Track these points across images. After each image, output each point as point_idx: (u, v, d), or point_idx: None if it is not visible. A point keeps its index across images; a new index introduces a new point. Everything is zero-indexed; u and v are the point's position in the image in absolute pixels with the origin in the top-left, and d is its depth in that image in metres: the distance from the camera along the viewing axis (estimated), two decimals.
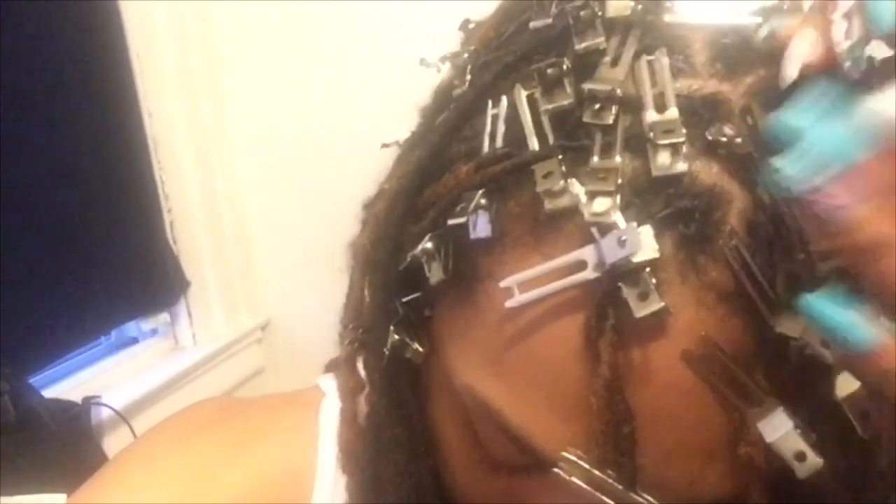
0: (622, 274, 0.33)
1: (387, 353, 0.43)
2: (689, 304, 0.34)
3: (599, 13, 0.37)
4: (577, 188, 0.34)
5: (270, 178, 1.82)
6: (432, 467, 0.44)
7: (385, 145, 0.47)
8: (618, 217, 0.33)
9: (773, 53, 0.34)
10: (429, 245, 0.39)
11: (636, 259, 0.33)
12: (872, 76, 0.29)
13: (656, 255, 0.33)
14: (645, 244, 0.33)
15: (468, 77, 0.42)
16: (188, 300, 1.76)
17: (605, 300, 0.34)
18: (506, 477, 0.40)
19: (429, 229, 0.40)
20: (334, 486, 0.48)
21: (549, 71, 0.36)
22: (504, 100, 0.38)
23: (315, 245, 1.65)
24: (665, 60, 0.35)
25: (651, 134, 0.34)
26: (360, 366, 0.47)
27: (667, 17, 0.37)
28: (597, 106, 0.35)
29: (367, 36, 1.68)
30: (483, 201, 0.37)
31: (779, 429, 0.33)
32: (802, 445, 0.33)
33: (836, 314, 0.31)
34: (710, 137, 0.34)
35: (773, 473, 0.34)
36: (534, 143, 0.36)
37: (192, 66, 1.72)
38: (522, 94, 0.37)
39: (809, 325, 0.32)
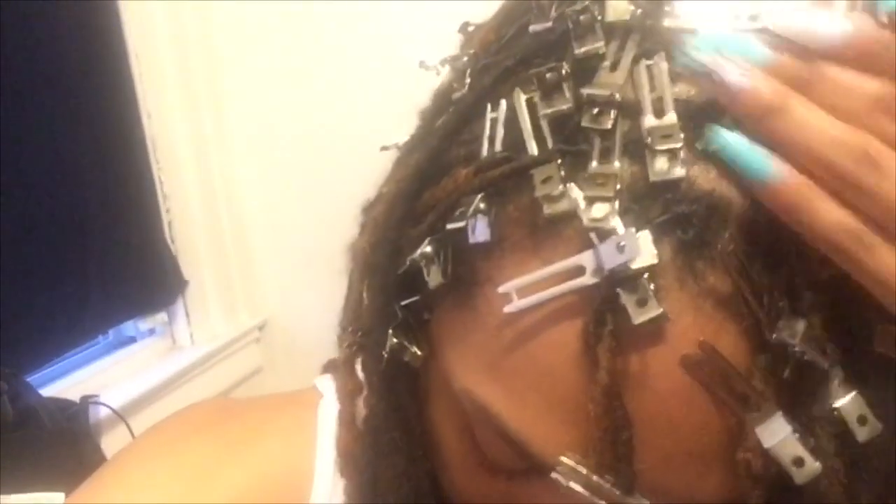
0: (620, 280, 0.33)
1: (385, 356, 0.43)
2: (688, 309, 0.34)
3: (599, 17, 0.37)
4: (575, 193, 0.34)
5: (269, 177, 1.82)
6: (430, 470, 0.44)
7: (384, 148, 0.47)
8: (616, 222, 0.33)
9: None
10: (428, 249, 0.39)
11: (634, 265, 0.33)
12: None
13: (655, 260, 0.33)
14: (643, 250, 0.33)
15: (468, 80, 0.42)
16: (186, 300, 1.76)
17: (603, 306, 0.34)
18: (504, 480, 0.40)
19: (428, 233, 0.40)
20: (332, 488, 0.48)
21: (548, 75, 0.36)
22: (503, 103, 0.38)
23: (313, 245, 1.65)
24: (664, 65, 0.35)
25: (649, 139, 0.34)
26: (358, 368, 0.47)
27: (666, 22, 0.37)
28: (595, 110, 0.35)
29: (367, 36, 1.68)
30: (482, 205, 0.37)
31: (777, 434, 0.33)
32: (801, 451, 0.33)
33: (740, 145, 0.32)
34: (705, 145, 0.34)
35: (772, 478, 0.34)
36: (533, 148, 0.36)
37: (191, 66, 1.72)
38: (522, 98, 0.37)
39: (720, 154, 0.33)
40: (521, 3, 0.42)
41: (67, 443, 1.27)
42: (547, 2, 0.39)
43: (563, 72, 0.36)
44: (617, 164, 0.34)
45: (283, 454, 0.49)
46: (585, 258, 0.34)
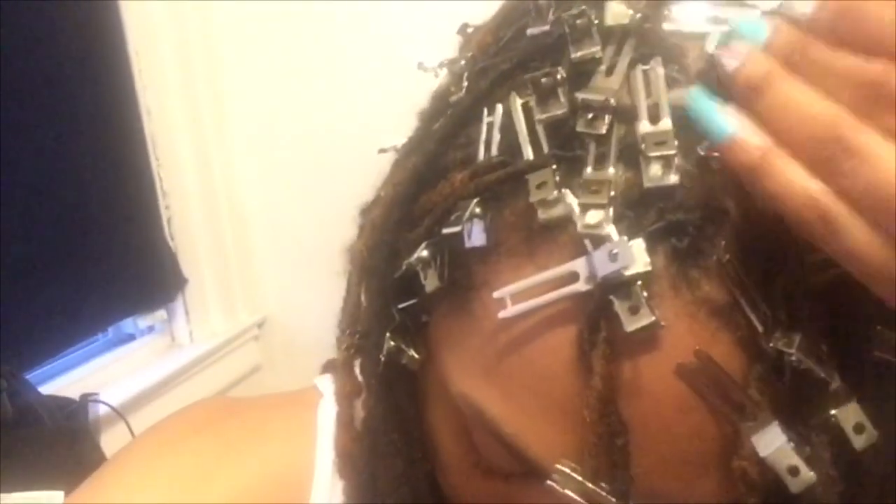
0: (614, 287, 0.33)
1: (383, 359, 0.43)
2: (682, 317, 0.34)
3: (596, 21, 0.36)
4: (570, 198, 0.34)
5: (269, 175, 1.82)
6: (429, 472, 0.44)
7: (382, 150, 0.47)
8: (610, 229, 0.33)
9: None
10: (424, 253, 0.39)
11: (628, 272, 0.33)
12: None
13: (648, 268, 0.33)
14: (636, 258, 0.33)
15: (465, 83, 0.42)
16: (185, 297, 1.76)
17: (596, 313, 0.34)
18: (501, 483, 0.40)
19: (424, 237, 0.40)
20: (332, 488, 0.48)
21: (544, 80, 0.36)
22: (500, 107, 0.38)
23: (313, 243, 1.65)
24: (660, 70, 0.35)
25: (643, 145, 0.34)
26: (356, 370, 0.47)
27: (666, 25, 0.36)
28: (590, 115, 0.35)
29: (367, 36, 1.67)
30: (478, 210, 0.37)
31: (773, 443, 0.33)
32: (796, 460, 0.33)
33: (706, 104, 0.32)
34: (702, 153, 0.34)
35: (767, 486, 0.34)
36: (528, 153, 0.36)
37: (191, 63, 1.72)
38: (517, 103, 0.37)
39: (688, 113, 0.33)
40: (520, 5, 0.41)
41: (67, 441, 1.26)
42: (545, 3, 0.39)
43: (559, 76, 0.36)
44: (612, 170, 0.34)
45: (283, 454, 0.50)
46: (579, 265, 0.34)
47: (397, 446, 0.44)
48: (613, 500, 0.35)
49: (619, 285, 0.33)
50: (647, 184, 0.34)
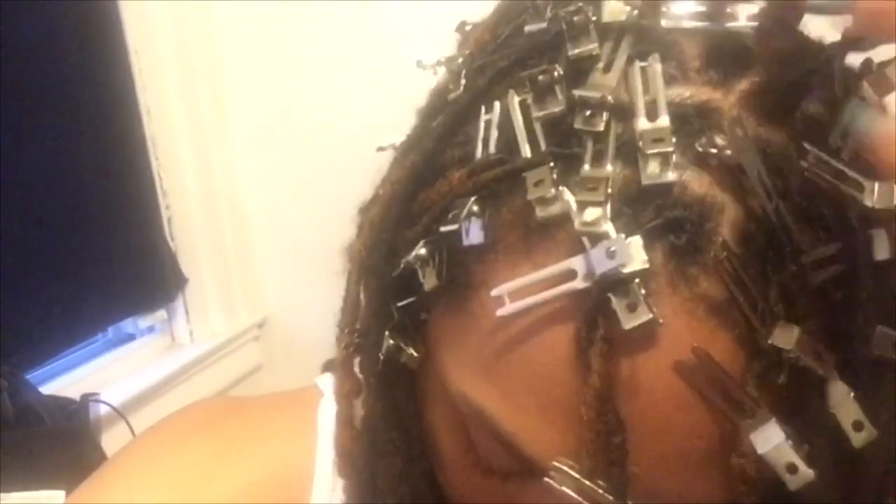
0: (611, 284, 0.33)
1: (382, 357, 0.43)
2: (680, 315, 0.33)
3: (593, 18, 0.36)
4: (568, 196, 0.34)
5: (269, 175, 1.82)
6: (428, 471, 0.44)
7: (381, 149, 0.47)
8: (608, 227, 0.33)
9: (766, 57, 0.34)
10: (423, 251, 0.39)
11: (625, 270, 0.32)
12: None
13: (645, 266, 0.33)
14: (634, 255, 0.32)
15: (463, 81, 0.42)
16: (186, 297, 1.76)
17: (594, 310, 0.34)
18: (499, 481, 0.40)
19: (422, 235, 0.40)
20: (332, 487, 0.48)
21: (541, 77, 0.36)
22: (497, 105, 0.38)
23: (313, 243, 1.65)
24: (658, 67, 0.35)
25: (641, 142, 0.34)
26: (356, 368, 0.47)
27: (663, 22, 0.36)
28: (588, 112, 0.35)
29: (366, 36, 1.67)
30: (475, 208, 0.37)
31: (771, 440, 0.33)
32: (794, 457, 0.33)
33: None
34: (699, 149, 0.34)
35: (766, 484, 0.34)
36: (526, 150, 0.36)
37: (191, 62, 1.72)
38: (515, 100, 0.37)
39: None
40: (518, 3, 0.41)
41: (67, 441, 1.27)
42: (542, 1, 0.39)
43: (556, 74, 0.36)
44: (609, 167, 0.34)
45: (283, 453, 0.49)
46: (577, 262, 0.34)
47: (396, 445, 0.44)
48: (611, 497, 0.34)
49: (616, 283, 0.33)
50: (644, 181, 0.33)
